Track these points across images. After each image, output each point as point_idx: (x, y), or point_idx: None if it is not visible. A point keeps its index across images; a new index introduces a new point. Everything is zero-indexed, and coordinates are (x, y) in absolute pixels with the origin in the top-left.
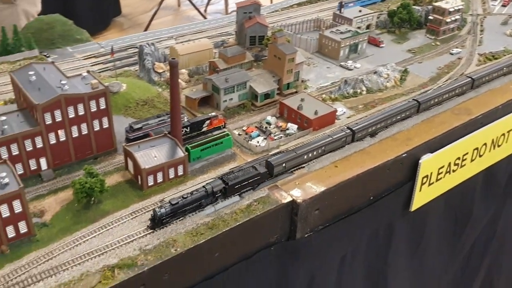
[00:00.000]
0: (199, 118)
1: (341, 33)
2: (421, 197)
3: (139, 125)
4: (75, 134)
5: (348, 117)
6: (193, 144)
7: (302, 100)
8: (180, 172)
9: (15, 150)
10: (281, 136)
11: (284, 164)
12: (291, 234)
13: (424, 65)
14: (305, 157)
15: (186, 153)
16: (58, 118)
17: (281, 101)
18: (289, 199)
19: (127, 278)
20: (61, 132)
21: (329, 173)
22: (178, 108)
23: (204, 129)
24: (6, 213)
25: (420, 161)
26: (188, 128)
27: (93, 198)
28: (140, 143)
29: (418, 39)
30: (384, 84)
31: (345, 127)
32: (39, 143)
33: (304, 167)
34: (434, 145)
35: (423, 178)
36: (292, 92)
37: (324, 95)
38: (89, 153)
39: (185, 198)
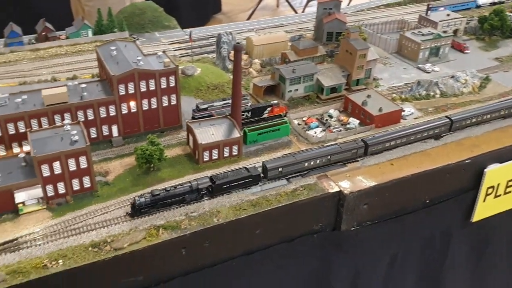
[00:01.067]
0: (261, 105)
1: (423, 35)
2: (484, 209)
3: (205, 106)
4: (145, 107)
5: (415, 118)
6: (251, 128)
7: (368, 96)
8: (235, 152)
9: (90, 115)
10: (341, 130)
11: (280, 169)
12: (336, 225)
13: (510, 74)
14: (306, 164)
15: (242, 135)
16: (131, 90)
17: (347, 96)
18: (336, 189)
19: (170, 239)
20: (132, 104)
21: (383, 170)
22: (239, 91)
23: (265, 115)
24: (73, 167)
25: (485, 170)
26: (250, 113)
27: (152, 165)
28: (201, 121)
29: (510, 48)
30: (460, 90)
31: (360, 139)
32: (112, 111)
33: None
34: (504, 156)
35: (488, 188)
36: (361, 89)
37: (394, 95)
38: (157, 126)
39: (168, 191)
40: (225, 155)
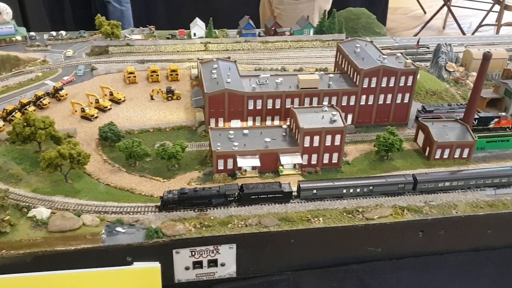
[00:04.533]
0: (489, 114)
1: None
2: None
3: (431, 108)
4: (380, 101)
5: None
6: (480, 135)
7: None
8: (464, 155)
9: (333, 102)
10: None
11: (314, 191)
12: None
13: None
14: (344, 191)
15: (475, 139)
16: (373, 84)
17: None
18: None
19: (413, 220)
20: (371, 97)
21: None
22: (477, 98)
23: (491, 126)
24: (328, 143)
25: None
26: (476, 121)
27: (389, 154)
28: (434, 121)
29: None
30: None
31: (410, 174)
32: (352, 101)
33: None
34: None
35: None
36: None
37: None
38: (385, 120)
39: (196, 191)
40: (455, 156)
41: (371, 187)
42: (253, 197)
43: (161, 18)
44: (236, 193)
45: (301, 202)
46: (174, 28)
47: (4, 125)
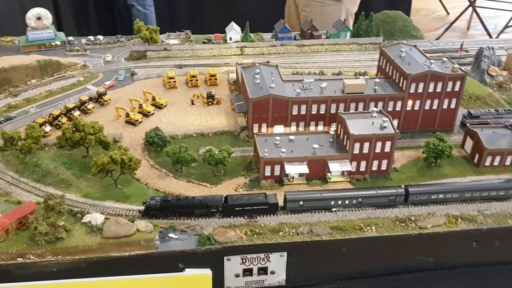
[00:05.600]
0: None
1: None
2: None
3: (477, 113)
4: (426, 107)
5: None
6: None
7: None
8: None
9: (379, 107)
10: None
11: (301, 202)
12: None
13: None
14: (332, 202)
15: None
16: (420, 89)
17: None
18: None
19: (467, 229)
20: (417, 102)
21: None
22: None
23: None
24: (378, 149)
25: None
26: None
27: (437, 161)
28: (482, 127)
29: None
30: None
31: (402, 186)
32: (398, 106)
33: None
34: None
35: None
36: None
37: None
38: (431, 126)
39: (179, 199)
40: (506, 164)
41: (360, 199)
42: (238, 209)
43: (184, 21)
44: (220, 205)
45: (349, 211)
46: (197, 31)
47: (51, 130)
